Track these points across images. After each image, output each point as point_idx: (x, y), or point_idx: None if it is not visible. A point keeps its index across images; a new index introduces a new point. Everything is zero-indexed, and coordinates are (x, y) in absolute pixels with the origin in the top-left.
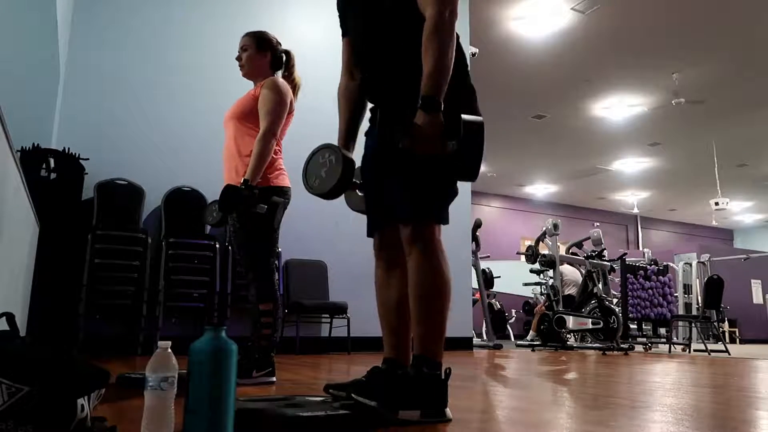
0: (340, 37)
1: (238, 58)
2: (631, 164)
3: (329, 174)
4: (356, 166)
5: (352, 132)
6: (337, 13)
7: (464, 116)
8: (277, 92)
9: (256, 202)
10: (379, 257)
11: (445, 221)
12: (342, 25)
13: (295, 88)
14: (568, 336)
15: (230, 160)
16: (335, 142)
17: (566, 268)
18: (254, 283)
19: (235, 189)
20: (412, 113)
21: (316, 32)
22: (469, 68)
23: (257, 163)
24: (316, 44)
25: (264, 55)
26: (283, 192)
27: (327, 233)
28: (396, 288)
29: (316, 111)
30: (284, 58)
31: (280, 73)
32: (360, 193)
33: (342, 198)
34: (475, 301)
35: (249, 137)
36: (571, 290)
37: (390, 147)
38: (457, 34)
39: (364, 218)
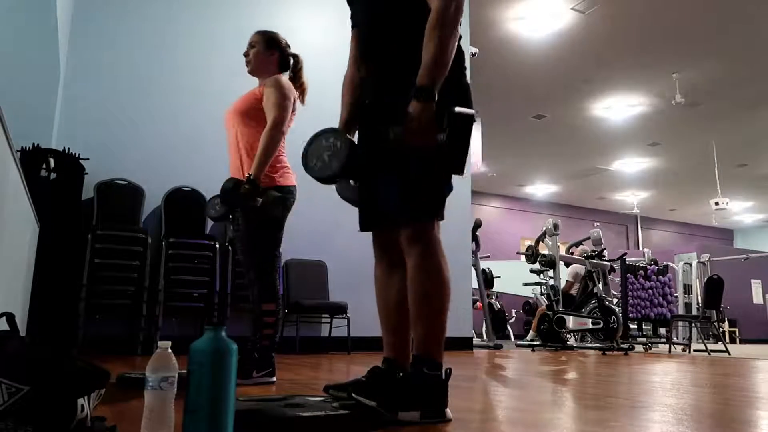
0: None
1: (246, 54)
2: (631, 164)
3: (333, 157)
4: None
5: (352, 121)
6: (336, 16)
7: (456, 108)
8: (279, 89)
9: (255, 196)
10: (379, 257)
11: (442, 217)
12: (351, 17)
13: (302, 92)
14: (568, 336)
15: (235, 157)
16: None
17: (578, 267)
18: (257, 282)
19: (236, 183)
20: (405, 104)
21: (319, 34)
22: (466, 69)
23: (263, 158)
24: (319, 46)
25: (271, 53)
26: (289, 192)
27: (327, 233)
28: (396, 288)
29: (319, 112)
30: (292, 61)
31: (286, 75)
32: (353, 183)
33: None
34: (475, 301)
35: (252, 135)
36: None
37: (382, 142)
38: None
39: None
